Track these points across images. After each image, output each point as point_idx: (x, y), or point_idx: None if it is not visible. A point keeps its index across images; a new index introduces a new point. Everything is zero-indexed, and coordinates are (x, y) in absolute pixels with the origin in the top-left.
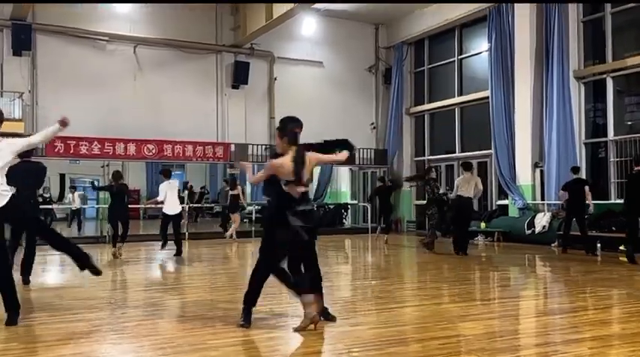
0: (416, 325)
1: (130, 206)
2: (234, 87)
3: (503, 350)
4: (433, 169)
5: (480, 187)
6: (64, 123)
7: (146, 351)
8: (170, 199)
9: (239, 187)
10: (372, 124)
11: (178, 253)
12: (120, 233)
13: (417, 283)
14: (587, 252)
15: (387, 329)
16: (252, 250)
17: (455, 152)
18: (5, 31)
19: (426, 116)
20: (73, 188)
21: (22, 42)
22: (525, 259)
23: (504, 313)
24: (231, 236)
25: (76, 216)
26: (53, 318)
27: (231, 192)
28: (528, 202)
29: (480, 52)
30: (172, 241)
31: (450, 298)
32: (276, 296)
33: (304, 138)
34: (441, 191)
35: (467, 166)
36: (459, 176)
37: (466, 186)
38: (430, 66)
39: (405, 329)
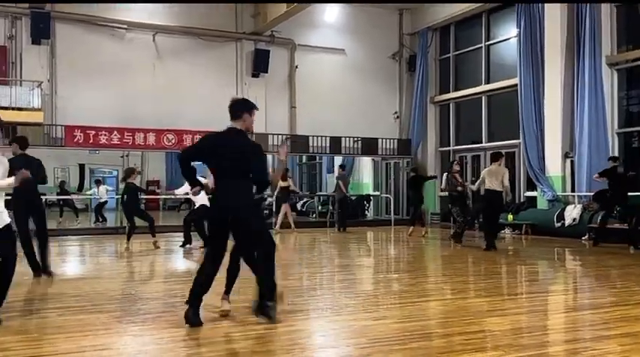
0: (440, 319)
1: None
2: (255, 75)
3: (531, 346)
4: (455, 162)
5: (507, 182)
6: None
7: (166, 343)
8: (203, 192)
9: (289, 178)
10: (396, 113)
11: (187, 243)
12: (148, 226)
13: (441, 276)
14: (637, 247)
15: (410, 323)
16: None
17: (481, 142)
18: (24, 19)
19: (451, 105)
20: (99, 181)
21: (41, 31)
22: (554, 252)
23: (532, 308)
24: (289, 226)
25: (102, 209)
26: (73, 309)
27: (281, 183)
28: (558, 193)
29: (509, 38)
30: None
31: (476, 293)
32: (297, 289)
33: (324, 128)
34: (469, 185)
35: (495, 156)
36: (484, 167)
37: (493, 178)
38: (456, 53)
39: (429, 324)
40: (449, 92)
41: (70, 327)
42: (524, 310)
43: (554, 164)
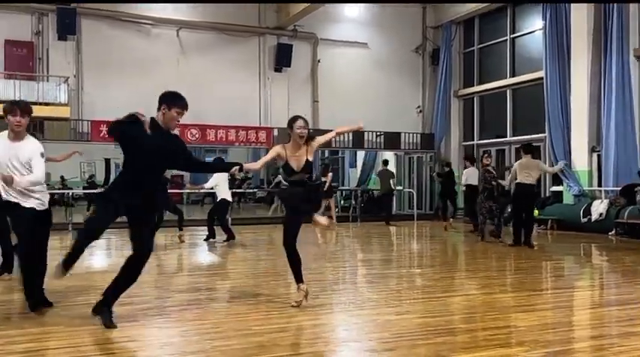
0: (464, 314)
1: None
2: (277, 70)
3: (557, 342)
4: (486, 155)
5: (549, 169)
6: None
7: (191, 335)
8: (225, 186)
9: (330, 174)
10: (419, 107)
11: (230, 238)
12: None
13: (465, 272)
14: None
15: (434, 318)
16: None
17: (506, 136)
18: (50, 15)
19: (475, 99)
20: None
21: (67, 27)
22: (581, 248)
23: (558, 304)
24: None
25: None
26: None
27: (323, 178)
28: (584, 188)
29: (534, 31)
30: (218, 227)
31: (501, 288)
32: (320, 283)
33: (346, 123)
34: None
35: (527, 148)
36: (509, 161)
37: (526, 171)
38: (480, 46)
39: (453, 319)
40: (473, 86)
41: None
42: (550, 306)
43: (580, 158)
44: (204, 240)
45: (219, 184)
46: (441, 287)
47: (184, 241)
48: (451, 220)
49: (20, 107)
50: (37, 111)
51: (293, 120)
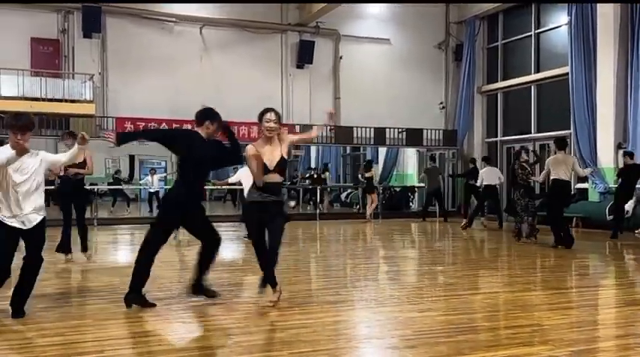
0: (487, 313)
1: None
2: (299, 67)
3: (581, 341)
4: (524, 151)
5: (582, 171)
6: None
7: (214, 331)
8: (249, 181)
9: (373, 170)
10: (441, 103)
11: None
12: None
13: (488, 269)
14: None
15: (456, 316)
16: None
17: (530, 133)
18: (76, 13)
19: (499, 95)
20: (154, 171)
21: (92, 25)
22: (606, 246)
23: (583, 302)
24: (371, 215)
25: (155, 197)
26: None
27: (366, 174)
28: (610, 185)
29: (559, 26)
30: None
31: (524, 286)
32: (342, 280)
33: (368, 119)
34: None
35: (561, 143)
36: (533, 158)
37: (560, 167)
38: (504, 41)
39: (475, 317)
40: (497, 82)
41: (121, 313)
42: (575, 305)
43: (606, 155)
44: (244, 237)
45: (242, 178)
46: (464, 285)
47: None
48: (483, 219)
49: (18, 125)
50: (63, 108)
51: (263, 112)
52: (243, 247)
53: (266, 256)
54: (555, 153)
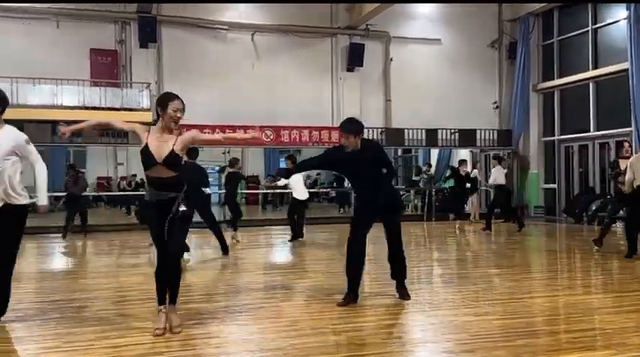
0: (547, 316)
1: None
2: (349, 70)
3: None
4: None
5: None
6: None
7: (269, 333)
8: (299, 185)
9: (475, 170)
10: (495, 102)
11: (295, 237)
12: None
13: (547, 272)
14: None
15: (515, 320)
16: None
17: (589, 131)
18: (132, 24)
19: (555, 92)
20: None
21: (148, 34)
22: None
23: None
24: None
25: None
26: (182, 298)
27: (472, 174)
28: None
29: (617, 21)
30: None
31: (585, 289)
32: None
33: (420, 121)
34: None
35: None
36: (592, 157)
37: None
38: (560, 38)
39: (534, 321)
40: (553, 79)
41: (182, 316)
42: (638, 308)
43: None
44: (289, 240)
45: (291, 182)
46: (522, 288)
47: (240, 240)
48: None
49: None
50: (122, 116)
51: (169, 98)
52: (292, 251)
53: None
54: (637, 152)
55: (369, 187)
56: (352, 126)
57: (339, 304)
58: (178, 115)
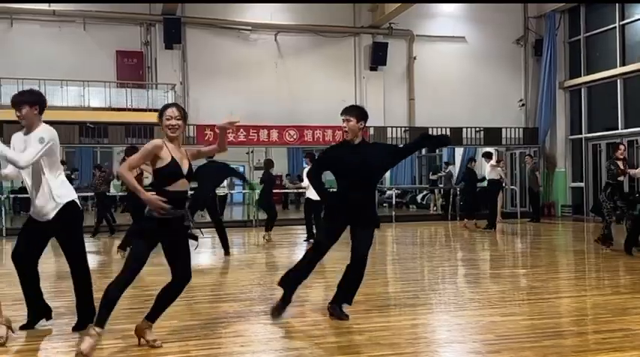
0: (574, 317)
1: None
2: (373, 69)
3: None
4: (621, 147)
5: None
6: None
7: (294, 332)
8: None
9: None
10: (521, 100)
11: (310, 237)
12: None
13: (574, 272)
14: None
15: (541, 321)
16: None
17: (617, 128)
18: (157, 26)
19: (582, 90)
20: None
21: (173, 36)
22: None
23: None
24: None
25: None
26: (209, 297)
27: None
28: None
29: None
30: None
31: (614, 290)
32: (419, 282)
33: (444, 119)
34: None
35: None
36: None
37: None
38: (587, 34)
39: (561, 321)
40: (580, 76)
41: (206, 314)
42: None
43: None
44: (304, 240)
45: (306, 181)
46: (549, 288)
47: (270, 240)
48: (466, 220)
49: (16, 101)
50: (147, 117)
51: (163, 108)
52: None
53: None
54: None
55: (353, 189)
56: (354, 109)
57: (273, 314)
58: (172, 122)
